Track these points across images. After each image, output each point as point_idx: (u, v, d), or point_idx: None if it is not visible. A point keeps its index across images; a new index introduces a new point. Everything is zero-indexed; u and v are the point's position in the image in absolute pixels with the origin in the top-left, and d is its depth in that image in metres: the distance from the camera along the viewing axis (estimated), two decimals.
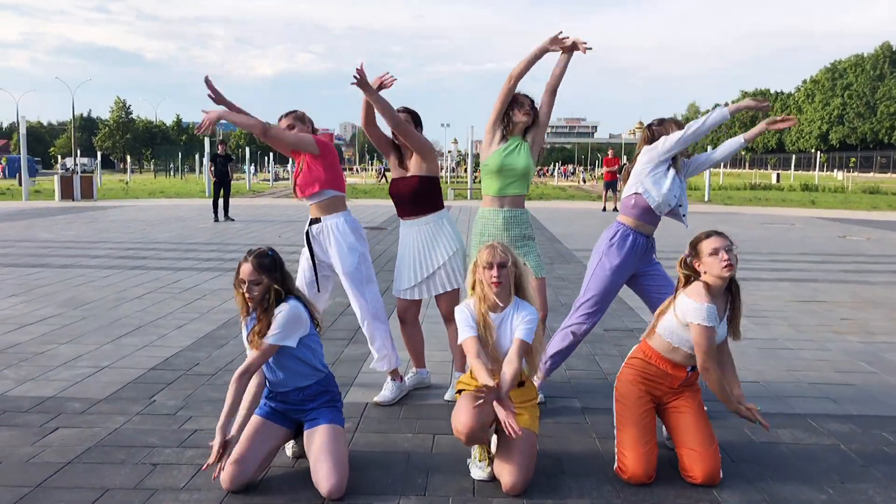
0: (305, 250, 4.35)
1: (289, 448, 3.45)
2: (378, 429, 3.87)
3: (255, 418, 3.27)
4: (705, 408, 3.44)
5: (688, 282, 3.36)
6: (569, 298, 7.46)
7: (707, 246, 3.29)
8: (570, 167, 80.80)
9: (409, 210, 4.31)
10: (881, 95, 75.58)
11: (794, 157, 63.39)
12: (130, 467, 3.32)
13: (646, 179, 4.04)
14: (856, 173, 60.45)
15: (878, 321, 6.70)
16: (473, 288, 3.33)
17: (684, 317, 3.24)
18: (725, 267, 3.22)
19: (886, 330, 6.34)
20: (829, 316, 6.90)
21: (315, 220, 4.27)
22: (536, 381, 4.00)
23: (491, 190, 4.18)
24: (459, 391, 3.37)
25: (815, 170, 57.40)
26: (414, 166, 4.25)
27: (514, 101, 4.12)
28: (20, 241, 12.37)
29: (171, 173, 70.81)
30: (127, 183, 42.70)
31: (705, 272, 3.29)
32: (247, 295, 3.22)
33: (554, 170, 66.88)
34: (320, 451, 3.08)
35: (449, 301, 4.27)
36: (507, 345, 3.26)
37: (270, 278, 3.21)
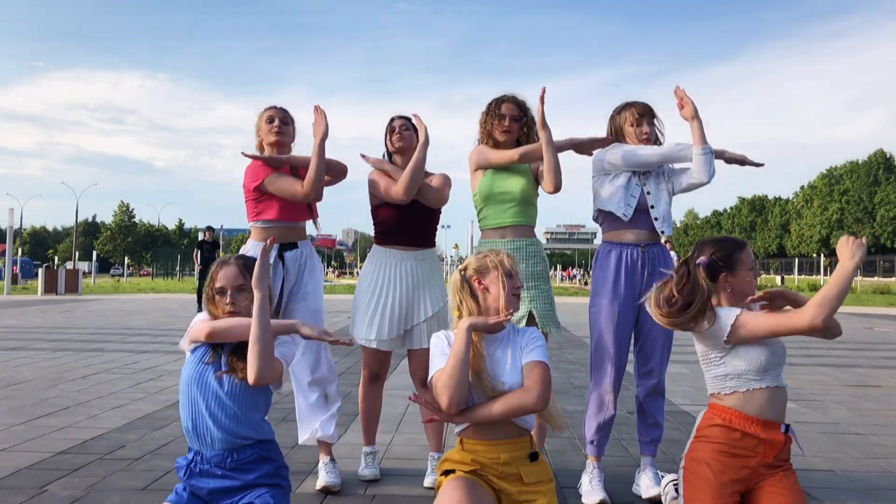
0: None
1: None
2: None
3: None
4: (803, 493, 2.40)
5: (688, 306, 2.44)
6: (582, 381, 6.43)
7: (743, 260, 2.49)
8: (573, 270, 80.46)
9: (410, 240, 3.39)
10: (879, 200, 76.12)
11: (796, 260, 62.88)
12: None
13: (594, 183, 3.28)
14: (860, 277, 59.81)
15: None
16: (459, 310, 2.39)
17: (725, 328, 2.36)
18: (751, 280, 2.52)
19: None
20: (891, 400, 5.86)
21: (290, 246, 3.37)
22: (592, 476, 3.13)
23: (487, 222, 3.32)
24: (445, 473, 2.35)
25: (819, 273, 56.91)
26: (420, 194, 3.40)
27: (496, 117, 3.28)
28: None
29: (170, 276, 70.32)
30: (118, 280, 41.93)
31: (730, 289, 2.47)
32: (229, 308, 2.38)
33: (555, 272, 66.43)
34: None
35: (423, 360, 3.20)
36: (505, 376, 2.28)
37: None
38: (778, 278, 51.14)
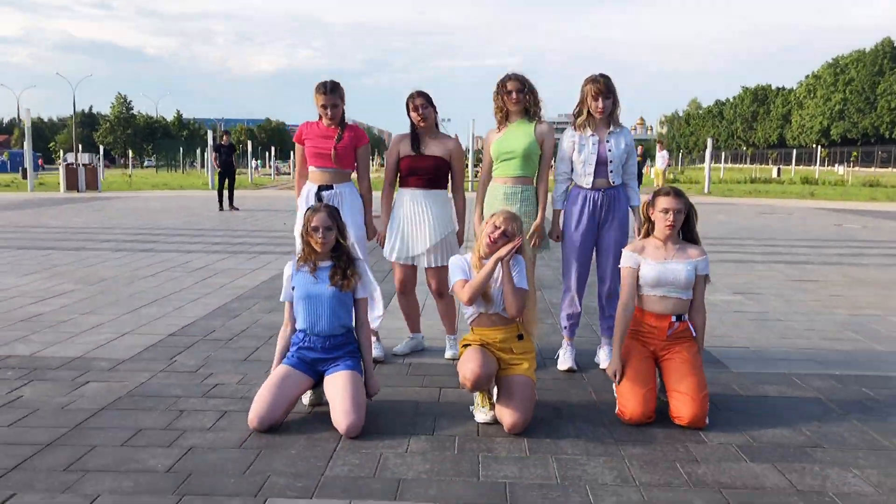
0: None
1: (306, 397, 3.70)
2: (387, 382, 4.11)
3: (283, 367, 3.53)
4: (700, 361, 3.68)
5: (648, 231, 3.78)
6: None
7: (661, 202, 3.65)
8: None
9: (426, 183, 4.55)
10: (882, 91, 75.73)
11: (794, 151, 63.52)
12: (159, 413, 3.57)
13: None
14: (856, 168, 60.68)
15: (867, 297, 6.94)
16: (478, 240, 3.61)
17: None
18: (667, 226, 3.63)
19: (874, 305, 6.58)
20: (820, 293, 7.15)
21: (326, 187, 4.50)
22: (565, 350, 4.36)
23: (497, 172, 4.46)
24: (465, 345, 3.62)
25: (815, 164, 57.60)
26: (434, 149, 4.53)
27: (504, 93, 4.34)
28: (31, 227, 12.63)
29: (173, 168, 71.04)
30: (130, 176, 42.93)
31: (654, 220, 3.71)
32: (322, 240, 3.54)
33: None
34: (341, 393, 3.34)
35: (439, 276, 4.56)
36: (495, 287, 3.53)
37: (340, 226, 3.62)
38: (775, 169, 51.93)
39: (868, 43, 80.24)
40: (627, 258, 3.74)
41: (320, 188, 4.51)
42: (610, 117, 4.29)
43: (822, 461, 3.11)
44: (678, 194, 3.64)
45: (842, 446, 3.27)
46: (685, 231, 3.72)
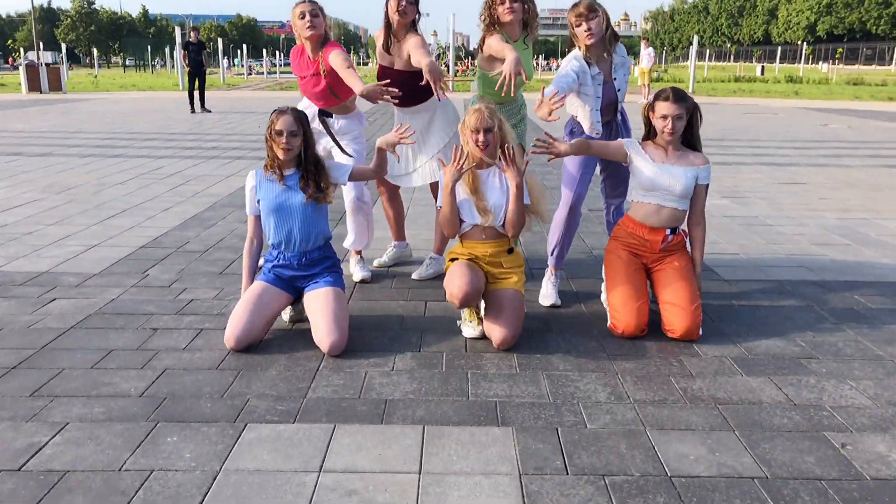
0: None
1: (286, 314, 3.54)
2: (371, 297, 3.97)
3: (258, 283, 3.35)
4: (693, 272, 3.54)
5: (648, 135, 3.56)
6: (552, 182, 7.51)
7: (660, 108, 3.39)
8: (558, 60, 78.84)
9: (403, 100, 4.04)
10: None
11: (779, 49, 62.27)
12: (131, 332, 3.41)
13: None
14: (841, 65, 59.89)
15: (854, 200, 6.85)
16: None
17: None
18: (666, 133, 3.39)
19: (861, 207, 6.49)
20: (808, 196, 7.04)
21: (328, 114, 4.10)
22: (550, 275, 3.96)
23: (482, 90, 4.02)
24: (452, 259, 3.44)
25: (800, 62, 56.66)
26: (404, 62, 3.98)
27: (497, 2, 3.77)
28: None
29: (142, 68, 68.37)
30: (96, 77, 41.27)
31: (654, 126, 3.47)
32: (285, 146, 3.25)
33: (538, 62, 64.97)
34: (323, 310, 3.18)
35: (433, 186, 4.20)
36: (495, 199, 3.33)
37: (307, 132, 3.31)
38: (758, 67, 51.08)
39: None
40: (628, 141, 3.56)
41: (322, 112, 4.09)
42: (607, 43, 3.64)
43: (818, 373, 3.04)
44: (679, 98, 3.37)
45: (836, 357, 3.21)
46: (686, 136, 3.49)
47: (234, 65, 63.75)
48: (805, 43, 66.78)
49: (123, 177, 7.69)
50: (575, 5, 3.62)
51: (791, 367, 3.09)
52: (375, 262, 4.52)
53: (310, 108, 4.15)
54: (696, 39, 29.78)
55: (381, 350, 3.22)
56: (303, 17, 3.89)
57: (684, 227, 3.58)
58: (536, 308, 3.80)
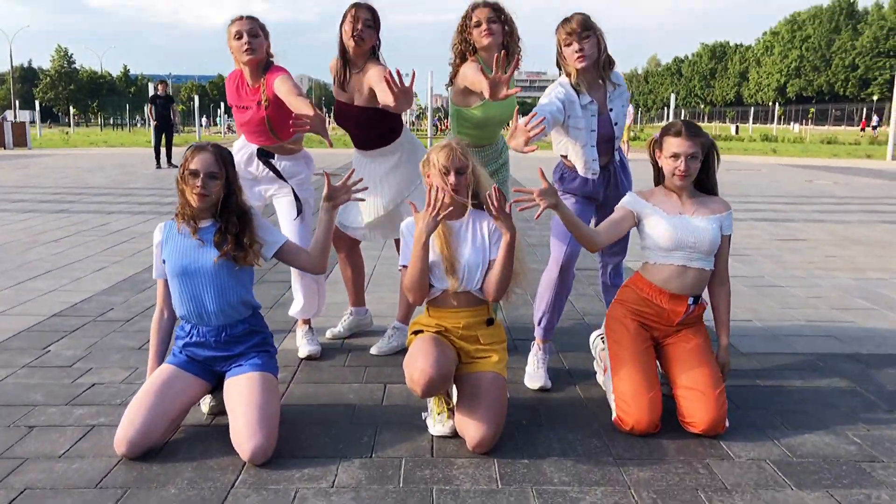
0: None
1: (205, 404, 2.79)
2: (318, 377, 3.23)
3: (165, 368, 2.61)
4: (711, 349, 2.87)
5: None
6: (535, 239, 6.88)
7: (670, 144, 2.77)
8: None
9: (364, 142, 3.52)
10: (837, 48, 76.00)
11: (752, 109, 63.44)
12: (0, 430, 2.63)
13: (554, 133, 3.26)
14: (811, 126, 61.01)
15: (863, 258, 6.27)
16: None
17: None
18: (677, 176, 2.75)
19: (874, 266, 5.91)
20: (813, 253, 6.46)
21: (268, 154, 3.46)
22: (537, 358, 3.24)
23: (470, 134, 3.38)
24: (415, 332, 2.74)
25: (773, 122, 57.69)
26: (365, 97, 3.35)
27: (471, 27, 3.21)
28: None
29: (120, 127, 67.98)
30: (68, 133, 40.63)
31: (662, 167, 2.85)
32: (200, 190, 2.55)
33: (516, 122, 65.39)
34: (244, 403, 2.44)
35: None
36: (468, 257, 2.64)
37: (231, 174, 2.62)
38: (733, 127, 51.84)
39: (825, 0, 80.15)
40: (628, 199, 2.87)
41: (262, 151, 3.45)
42: (601, 68, 3.05)
43: (889, 483, 2.34)
44: (693, 132, 2.75)
45: None
46: (700, 178, 2.86)
47: (213, 123, 63.61)
48: (777, 104, 68.24)
49: (60, 234, 6.93)
50: (565, 21, 3.01)
51: (852, 475, 2.39)
52: (328, 334, 3.80)
53: (245, 147, 3.49)
54: (673, 97, 29.92)
55: (322, 455, 2.47)
56: (239, 38, 3.26)
57: (705, 293, 2.92)
58: (522, 392, 3.09)
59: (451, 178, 2.59)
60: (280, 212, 3.52)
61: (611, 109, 3.11)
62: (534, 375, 3.18)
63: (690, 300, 2.80)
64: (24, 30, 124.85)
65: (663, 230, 2.76)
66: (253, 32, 3.25)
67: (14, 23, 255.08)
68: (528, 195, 2.58)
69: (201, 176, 2.55)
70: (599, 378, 3.16)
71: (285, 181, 3.45)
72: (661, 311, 2.80)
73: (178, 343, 2.68)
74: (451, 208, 2.60)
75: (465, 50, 3.26)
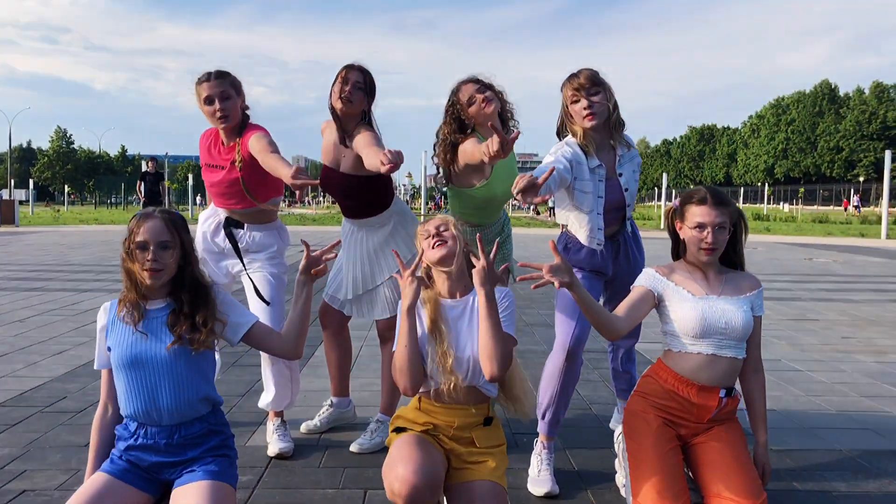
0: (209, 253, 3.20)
1: None
2: (288, 482, 2.78)
3: (99, 476, 2.16)
4: (746, 449, 2.45)
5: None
6: (533, 318, 6.49)
7: (693, 213, 2.42)
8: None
9: (351, 211, 3.22)
10: (821, 131, 77.88)
11: (742, 189, 64.35)
12: None
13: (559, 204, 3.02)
14: (801, 206, 61.74)
15: (882, 340, 5.89)
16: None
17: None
18: (704, 250, 2.40)
19: (895, 349, 5.53)
20: (828, 335, 6.07)
21: (236, 224, 3.15)
22: (541, 459, 2.82)
23: (472, 216, 3.11)
24: (397, 430, 2.31)
25: (763, 202, 58.37)
26: (351, 163, 3.08)
27: (463, 106, 3.00)
28: None
29: (115, 205, 68.23)
30: (58, 211, 40.54)
31: (683, 239, 2.49)
32: (152, 265, 2.14)
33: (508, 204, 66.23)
34: None
35: (391, 323, 3.10)
36: (464, 345, 2.24)
37: (185, 241, 2.22)
38: None
39: (808, 85, 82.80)
40: (646, 277, 2.50)
41: (230, 220, 3.15)
42: (611, 128, 2.81)
43: None
44: (719, 200, 2.41)
45: None
46: (727, 251, 2.51)
47: (206, 203, 63.92)
48: (766, 184, 69.27)
49: (28, 313, 6.50)
50: (572, 76, 2.75)
51: None
52: (303, 428, 3.35)
53: (213, 216, 3.14)
54: (665, 177, 30.22)
55: None
56: (210, 103, 2.96)
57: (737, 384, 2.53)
58: (524, 499, 2.64)
59: (433, 232, 2.27)
60: (248, 289, 3.14)
61: (620, 174, 2.81)
62: (538, 480, 2.75)
63: (722, 392, 2.40)
64: (27, 112, 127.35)
65: (689, 314, 2.38)
66: (225, 95, 2.95)
67: (17, 104, 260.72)
68: (536, 271, 2.22)
69: (151, 248, 2.17)
70: (619, 480, 2.73)
71: (241, 260, 3.09)
72: (690, 406, 2.39)
73: (120, 445, 2.24)
74: (436, 262, 2.25)
75: (460, 129, 3.00)
